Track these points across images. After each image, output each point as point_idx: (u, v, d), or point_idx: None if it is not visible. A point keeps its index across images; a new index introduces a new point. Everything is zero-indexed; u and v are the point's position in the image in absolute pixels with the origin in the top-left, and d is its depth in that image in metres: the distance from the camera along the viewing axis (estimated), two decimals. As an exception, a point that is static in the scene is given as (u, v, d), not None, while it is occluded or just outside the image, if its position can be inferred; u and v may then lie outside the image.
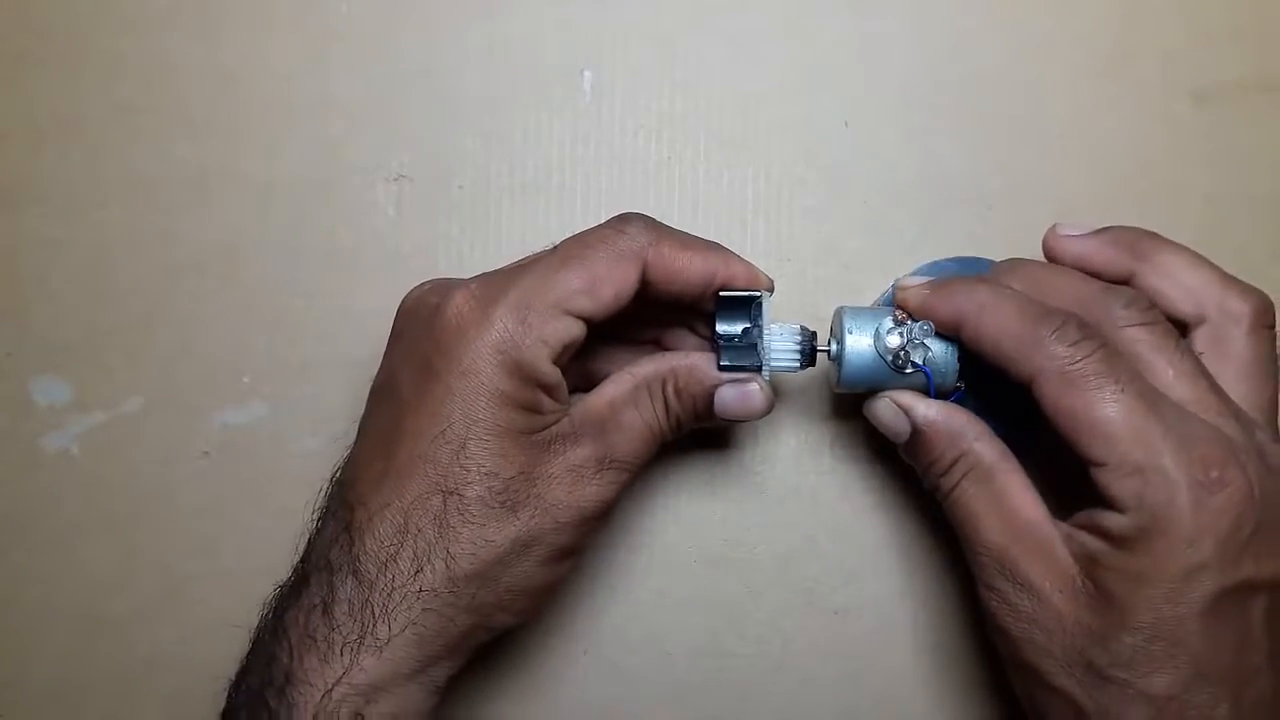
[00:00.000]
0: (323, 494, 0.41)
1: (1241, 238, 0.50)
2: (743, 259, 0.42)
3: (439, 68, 0.50)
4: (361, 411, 0.46)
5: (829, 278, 0.50)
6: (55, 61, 0.50)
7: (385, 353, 0.42)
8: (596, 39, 0.50)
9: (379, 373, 0.42)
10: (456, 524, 0.37)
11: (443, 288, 0.40)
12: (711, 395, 0.41)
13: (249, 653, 0.40)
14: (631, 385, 0.41)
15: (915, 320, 0.42)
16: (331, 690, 0.36)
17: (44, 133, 0.50)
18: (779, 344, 0.43)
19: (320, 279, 0.50)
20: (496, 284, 0.39)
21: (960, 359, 0.42)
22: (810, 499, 0.49)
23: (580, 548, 0.41)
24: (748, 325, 0.43)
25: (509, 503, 0.38)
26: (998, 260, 0.46)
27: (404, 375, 0.39)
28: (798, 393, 0.49)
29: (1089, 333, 0.37)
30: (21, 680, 0.49)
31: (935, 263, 0.46)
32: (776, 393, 0.49)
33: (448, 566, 0.37)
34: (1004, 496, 0.39)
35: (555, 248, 0.40)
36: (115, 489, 0.49)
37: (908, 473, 0.49)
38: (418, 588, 0.37)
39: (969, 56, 0.50)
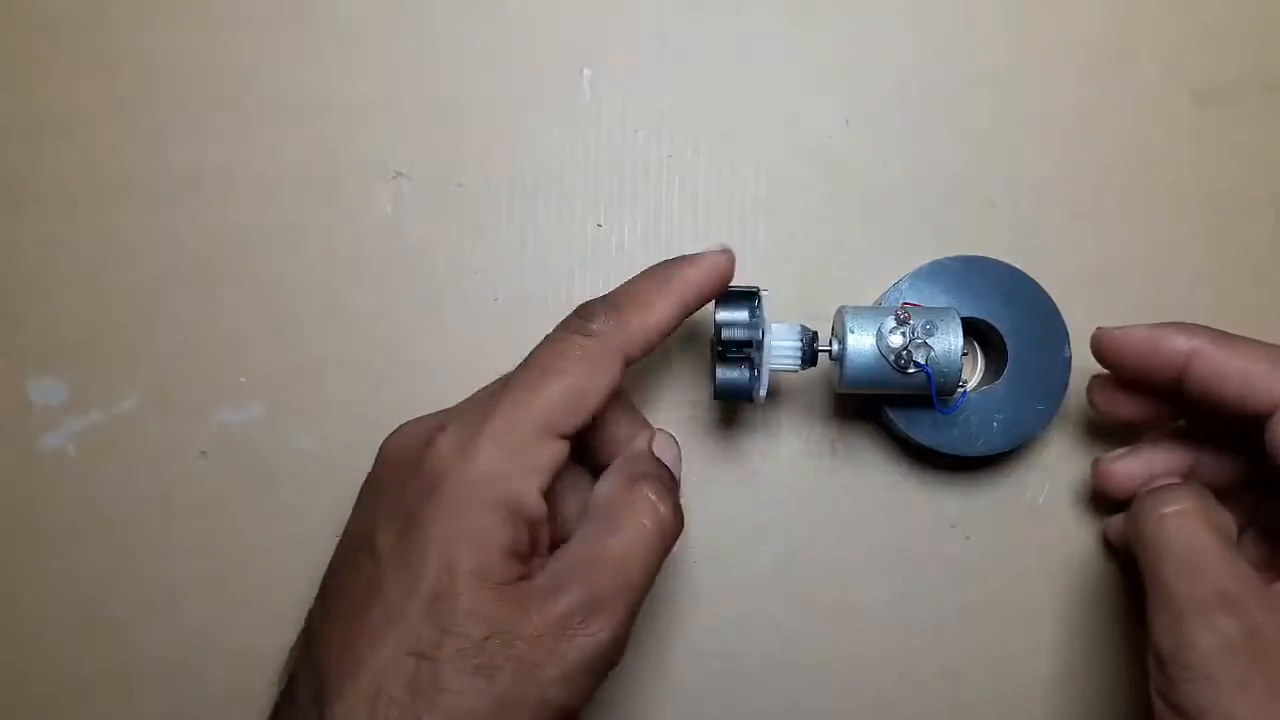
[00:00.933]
0: (293, 649, 0.38)
1: (1241, 238, 0.50)
2: (696, 265, 0.41)
3: (438, 67, 0.50)
4: (359, 410, 0.46)
5: (829, 278, 0.49)
6: (53, 60, 0.50)
7: (360, 501, 0.39)
8: (596, 39, 0.50)
9: (352, 521, 0.39)
10: (430, 692, 0.33)
11: (424, 433, 0.37)
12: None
13: None
14: (627, 488, 0.39)
15: (918, 321, 0.42)
16: None
17: (41, 132, 0.50)
18: (780, 344, 0.43)
19: (318, 278, 0.49)
20: (476, 415, 0.36)
21: (963, 356, 0.42)
22: (810, 499, 0.49)
23: (579, 700, 0.36)
24: (747, 324, 0.43)
25: (484, 667, 0.34)
26: (999, 260, 0.46)
27: (383, 529, 0.36)
28: (799, 393, 0.49)
29: None
30: (20, 680, 0.49)
31: (936, 261, 0.46)
32: (777, 393, 0.49)
33: None
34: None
35: (528, 362, 0.38)
36: (112, 489, 0.49)
37: (908, 473, 0.49)
38: None
39: (969, 56, 0.50)
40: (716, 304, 0.43)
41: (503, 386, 0.37)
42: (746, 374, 0.42)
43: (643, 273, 0.41)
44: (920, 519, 0.49)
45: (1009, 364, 0.46)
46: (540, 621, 0.34)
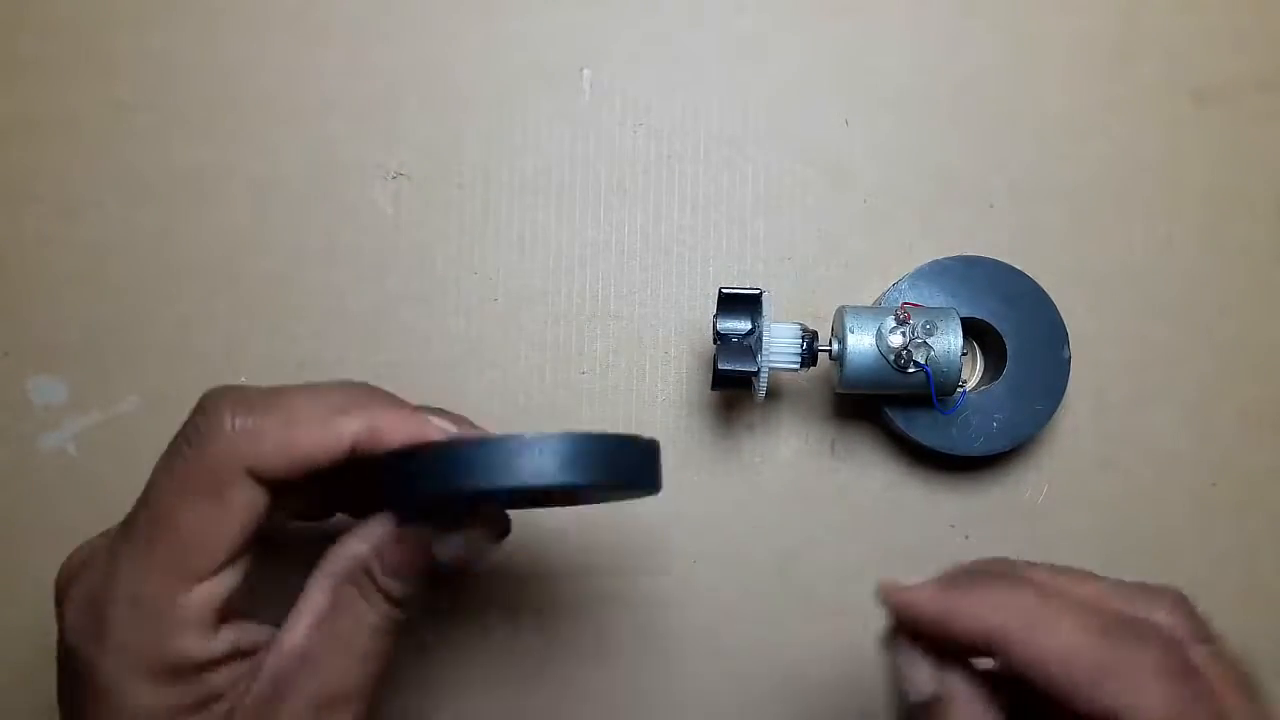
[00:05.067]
0: None
1: (1241, 238, 0.50)
2: (390, 404, 0.34)
3: (438, 66, 0.50)
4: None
5: (829, 277, 0.49)
6: (53, 61, 0.50)
7: None
8: (596, 39, 0.50)
9: None
10: None
11: (61, 597, 0.33)
12: (432, 559, 0.33)
13: None
14: (330, 590, 0.33)
15: (918, 320, 0.42)
16: None
17: (41, 132, 0.50)
18: (780, 343, 0.43)
19: (318, 278, 0.49)
20: (100, 581, 0.31)
21: (962, 356, 0.42)
22: (810, 499, 0.49)
23: None
24: (749, 325, 0.43)
25: None
26: (998, 260, 0.46)
27: (60, 698, 0.33)
28: (798, 393, 0.49)
29: (1182, 655, 0.30)
30: (20, 681, 0.48)
31: (936, 261, 0.46)
32: (777, 393, 0.49)
33: None
34: None
35: (145, 496, 0.32)
36: (112, 488, 0.49)
37: (907, 473, 0.49)
38: None
39: (969, 56, 0.50)
40: (717, 305, 0.43)
41: (121, 535, 0.32)
42: (746, 365, 0.42)
43: (335, 383, 0.34)
44: (919, 519, 0.49)
45: (1008, 364, 0.46)
46: None
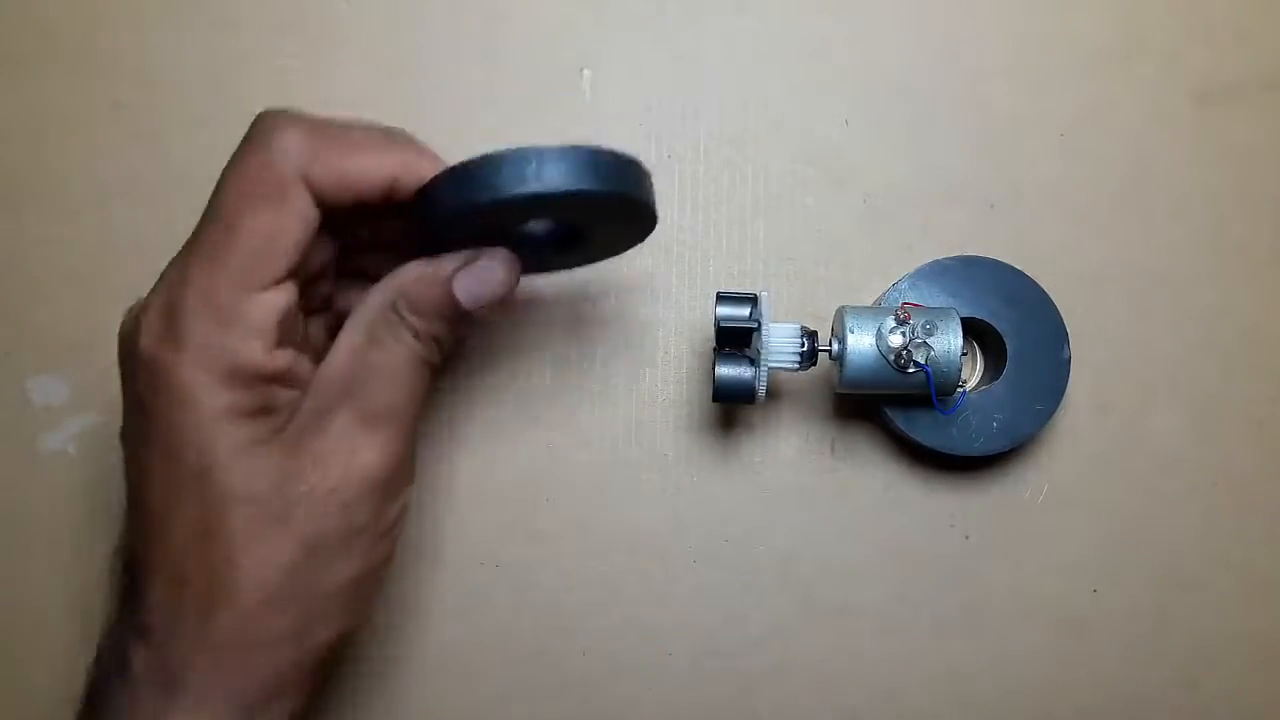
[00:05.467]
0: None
1: (1241, 238, 0.50)
2: (427, 149, 0.37)
3: (438, 67, 0.50)
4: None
5: (829, 278, 0.49)
6: (54, 60, 0.50)
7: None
8: (596, 39, 0.50)
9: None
10: (228, 559, 0.33)
11: (133, 318, 0.35)
12: (452, 296, 0.37)
13: None
14: (364, 328, 0.36)
15: (918, 320, 0.42)
16: None
17: (42, 132, 0.50)
18: (780, 344, 0.43)
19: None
20: (174, 288, 0.34)
21: (963, 356, 0.42)
22: (810, 499, 0.49)
23: (386, 522, 0.37)
24: (747, 325, 0.43)
25: (277, 516, 0.34)
26: (999, 260, 0.46)
27: (129, 423, 0.35)
28: (798, 393, 0.49)
29: None
30: (20, 680, 0.48)
31: (936, 261, 0.46)
32: (777, 393, 0.49)
33: (233, 605, 0.33)
34: None
35: (211, 205, 0.35)
36: (112, 489, 0.49)
37: (907, 472, 0.49)
38: (209, 641, 0.33)
39: (969, 56, 0.50)
40: (716, 306, 0.43)
41: (191, 245, 0.35)
42: (746, 374, 0.42)
43: (382, 125, 0.37)
44: (919, 518, 0.49)
45: (1008, 364, 0.46)
46: (319, 449, 0.35)
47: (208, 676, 0.33)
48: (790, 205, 0.50)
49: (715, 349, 0.43)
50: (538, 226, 0.40)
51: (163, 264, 0.49)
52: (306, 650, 0.35)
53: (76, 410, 0.49)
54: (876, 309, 0.43)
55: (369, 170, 0.35)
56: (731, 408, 0.49)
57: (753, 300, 0.43)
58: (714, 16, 0.50)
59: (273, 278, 0.34)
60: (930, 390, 0.42)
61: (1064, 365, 0.46)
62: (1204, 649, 0.49)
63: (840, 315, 0.43)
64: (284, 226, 0.34)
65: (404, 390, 0.36)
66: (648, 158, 0.49)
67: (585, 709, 0.48)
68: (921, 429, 0.46)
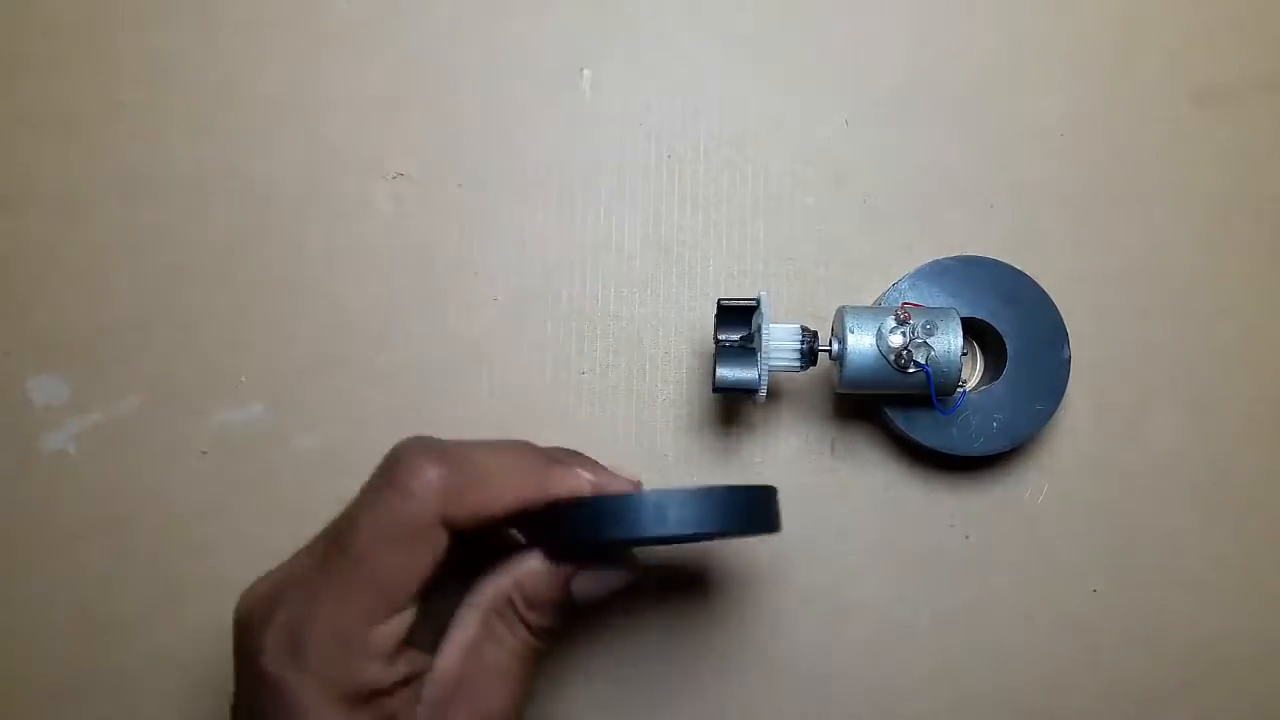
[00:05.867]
0: None
1: (1241, 238, 0.50)
2: (548, 466, 0.37)
3: (438, 67, 0.50)
4: (359, 410, 0.45)
5: (829, 278, 0.49)
6: (54, 61, 0.50)
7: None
8: (596, 39, 0.50)
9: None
10: None
11: (259, 615, 0.36)
12: (569, 594, 0.37)
13: None
14: (478, 623, 0.37)
15: (918, 320, 0.42)
16: None
17: (42, 132, 0.50)
18: (780, 344, 0.43)
19: (318, 278, 0.49)
20: (301, 614, 0.34)
21: (963, 356, 0.42)
22: (811, 499, 0.49)
23: None
24: (747, 331, 0.43)
25: None
26: (999, 260, 0.46)
27: (242, 717, 0.36)
28: (798, 393, 0.49)
29: None
30: (20, 680, 0.49)
31: (936, 261, 0.46)
32: (778, 393, 0.49)
33: None
34: None
35: (345, 541, 0.35)
36: (113, 489, 0.49)
37: (907, 472, 0.49)
38: None
39: (969, 56, 0.50)
40: (717, 312, 0.43)
41: (320, 572, 0.35)
42: (747, 372, 0.42)
43: (507, 443, 0.38)
44: (919, 518, 0.49)
45: (1008, 364, 0.46)
46: None
47: None
48: (790, 205, 0.50)
49: (715, 346, 0.43)
50: None
51: (164, 264, 0.49)
52: None
53: (77, 410, 0.49)
54: (876, 309, 0.43)
55: (504, 503, 0.35)
56: (732, 408, 0.49)
57: (751, 309, 0.43)
58: (714, 16, 0.50)
59: (398, 607, 0.35)
60: (930, 390, 0.42)
61: (1064, 365, 0.46)
62: (1204, 649, 0.49)
63: (840, 315, 0.43)
64: (414, 566, 0.35)
65: (518, 688, 0.37)
66: (648, 158, 0.50)
67: (585, 709, 0.48)
68: (922, 429, 0.46)
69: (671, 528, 0.35)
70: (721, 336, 0.43)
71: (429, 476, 0.34)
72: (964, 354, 0.43)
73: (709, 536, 0.37)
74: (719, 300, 0.43)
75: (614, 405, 0.49)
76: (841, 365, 0.43)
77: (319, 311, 0.49)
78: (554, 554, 0.37)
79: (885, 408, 0.46)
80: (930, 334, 0.42)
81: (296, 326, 0.49)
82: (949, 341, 0.42)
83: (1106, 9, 0.51)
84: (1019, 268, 0.46)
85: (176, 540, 0.49)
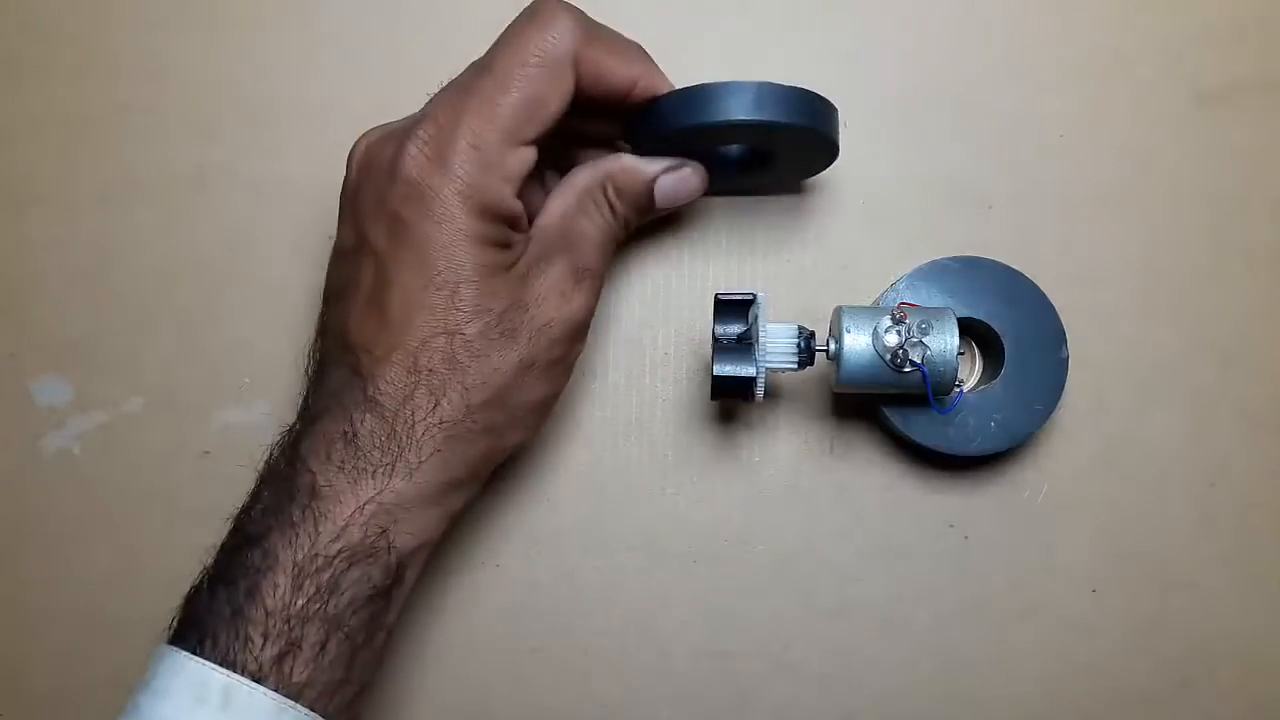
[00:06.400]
0: (310, 350, 0.43)
1: (1241, 238, 0.50)
2: (659, 69, 0.43)
3: (439, 67, 0.50)
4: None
5: (828, 278, 0.50)
6: (56, 62, 0.51)
7: (344, 210, 0.42)
8: (596, 40, 0.50)
9: (342, 232, 0.42)
10: (465, 359, 0.39)
11: (395, 138, 0.40)
12: (651, 189, 0.44)
13: (257, 485, 0.40)
14: (575, 197, 0.43)
15: (914, 320, 0.42)
16: (363, 506, 0.38)
17: (45, 133, 0.50)
18: (778, 344, 0.43)
19: (320, 278, 0.49)
20: (445, 125, 0.39)
21: (959, 355, 0.42)
22: (810, 499, 0.49)
23: (573, 357, 0.43)
24: (745, 327, 0.43)
25: (508, 331, 0.40)
26: (997, 260, 0.47)
27: (375, 231, 0.40)
28: (797, 392, 0.49)
29: None
30: (22, 680, 0.49)
31: (935, 262, 0.47)
32: (776, 393, 0.49)
33: (463, 398, 0.39)
34: None
35: (489, 64, 0.40)
36: (116, 489, 0.49)
37: (906, 472, 0.49)
38: (438, 419, 0.39)
39: (969, 56, 0.50)
40: (715, 310, 0.43)
41: (464, 93, 0.40)
42: (744, 369, 0.42)
43: (624, 36, 0.43)
44: (918, 518, 0.49)
45: (1006, 364, 0.46)
46: (541, 288, 0.41)
47: (428, 447, 0.39)
48: (789, 205, 0.50)
49: (714, 336, 0.44)
50: (731, 149, 0.46)
51: (167, 265, 0.50)
52: (498, 449, 0.41)
53: (81, 410, 0.50)
54: (873, 309, 0.43)
55: (621, 71, 0.41)
56: (731, 409, 0.49)
57: (748, 303, 0.43)
58: (714, 17, 0.51)
59: (530, 137, 0.40)
60: (927, 390, 0.42)
61: (1062, 365, 0.46)
62: (1204, 649, 0.49)
63: (837, 315, 0.44)
64: (549, 96, 0.40)
65: (603, 254, 0.44)
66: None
67: (585, 709, 0.49)
68: (920, 429, 0.46)
69: (753, 112, 0.41)
70: (719, 331, 0.43)
71: (568, 22, 0.40)
72: (961, 354, 0.43)
73: (782, 129, 0.42)
74: (716, 295, 0.43)
75: (614, 406, 0.49)
76: (838, 365, 0.43)
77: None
78: (639, 148, 0.44)
79: (883, 407, 0.46)
80: (926, 333, 0.42)
81: (299, 326, 0.49)
82: (945, 341, 0.42)
83: (1106, 9, 0.50)
84: (1017, 268, 0.46)
85: (179, 540, 0.49)
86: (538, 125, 0.40)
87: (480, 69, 0.40)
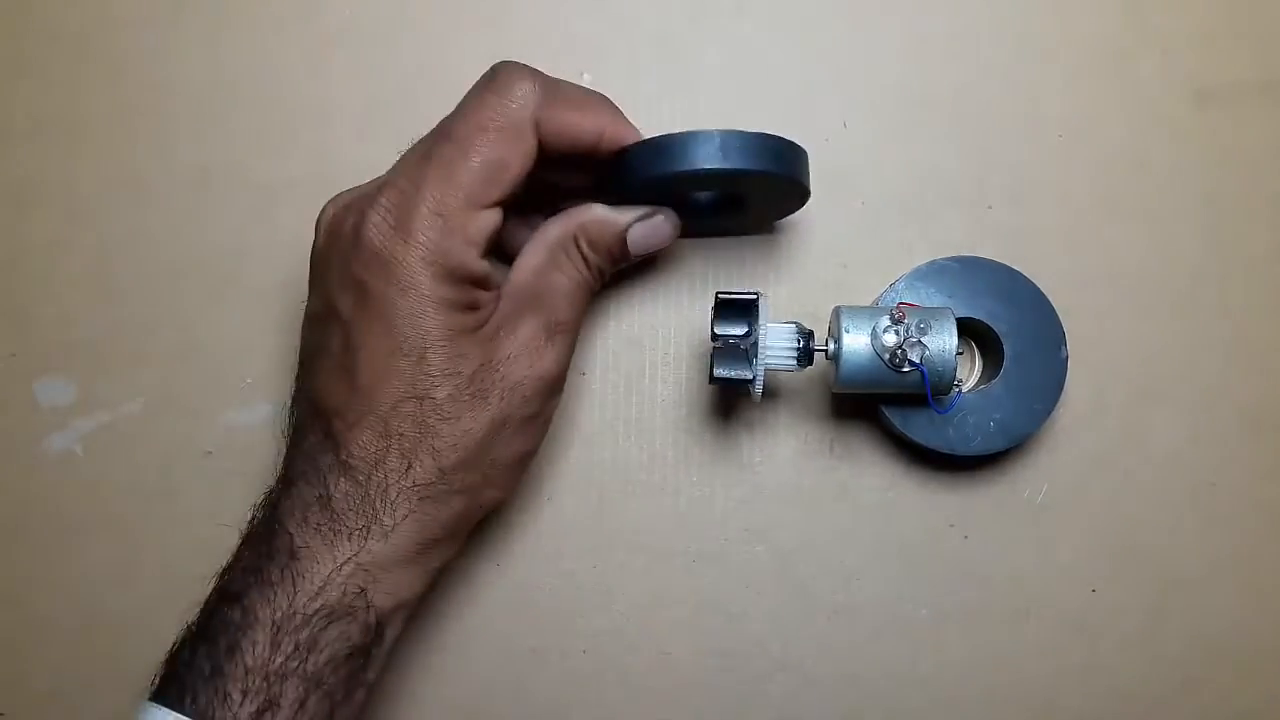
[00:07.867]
0: (288, 411, 0.43)
1: (1241, 238, 0.49)
2: (625, 119, 0.43)
3: (440, 68, 0.50)
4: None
5: (828, 278, 0.50)
6: (58, 63, 0.51)
7: (312, 278, 0.43)
8: (596, 39, 0.51)
9: (312, 299, 0.43)
10: (435, 423, 0.40)
11: (359, 205, 0.40)
12: (623, 239, 0.44)
13: (239, 546, 0.41)
14: (547, 251, 0.43)
15: (912, 320, 0.42)
16: (341, 567, 0.38)
17: (47, 134, 0.50)
18: (777, 343, 0.43)
19: (322, 280, 0.50)
20: (407, 192, 0.39)
21: (958, 355, 0.42)
22: (810, 499, 0.49)
23: (548, 413, 0.44)
24: (745, 328, 0.43)
25: (479, 392, 0.40)
26: (997, 261, 0.47)
27: (342, 299, 0.40)
28: (796, 393, 0.49)
29: None
30: (23, 680, 0.49)
31: (934, 262, 0.47)
32: (775, 393, 0.49)
33: (435, 460, 0.40)
34: None
35: (449, 130, 0.40)
36: (119, 489, 0.50)
37: (906, 472, 0.49)
38: (411, 482, 0.39)
39: (969, 56, 0.50)
40: (715, 309, 0.43)
41: (425, 159, 0.40)
42: (743, 370, 0.42)
43: (588, 89, 0.43)
44: (918, 518, 0.49)
45: (1006, 364, 0.46)
46: (512, 346, 0.41)
47: (403, 509, 0.39)
48: (789, 206, 0.50)
49: (713, 334, 0.44)
50: (703, 195, 0.46)
51: (169, 266, 0.50)
52: (475, 508, 0.42)
53: (83, 411, 0.50)
54: (872, 308, 0.43)
55: (585, 125, 0.41)
56: (730, 408, 0.49)
57: (750, 304, 0.43)
58: (714, 18, 0.51)
59: (493, 199, 0.40)
60: (926, 389, 0.42)
61: (1062, 365, 0.46)
62: (1203, 649, 0.49)
63: (836, 314, 0.44)
64: (510, 159, 0.40)
65: (576, 308, 0.43)
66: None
67: (585, 708, 0.49)
68: (919, 429, 0.46)
69: (721, 161, 0.41)
70: (719, 331, 0.43)
71: (527, 85, 0.40)
72: (960, 354, 0.43)
73: (752, 176, 0.42)
74: (717, 294, 0.43)
75: (614, 406, 0.49)
76: (837, 364, 0.43)
77: (322, 313, 0.50)
78: (610, 197, 0.44)
79: (883, 407, 0.46)
80: (925, 333, 0.42)
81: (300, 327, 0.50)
82: (944, 341, 0.42)
83: (1106, 9, 0.51)
84: (1017, 268, 0.46)
85: (181, 540, 0.49)
86: (500, 188, 0.40)
87: (441, 135, 0.40)
